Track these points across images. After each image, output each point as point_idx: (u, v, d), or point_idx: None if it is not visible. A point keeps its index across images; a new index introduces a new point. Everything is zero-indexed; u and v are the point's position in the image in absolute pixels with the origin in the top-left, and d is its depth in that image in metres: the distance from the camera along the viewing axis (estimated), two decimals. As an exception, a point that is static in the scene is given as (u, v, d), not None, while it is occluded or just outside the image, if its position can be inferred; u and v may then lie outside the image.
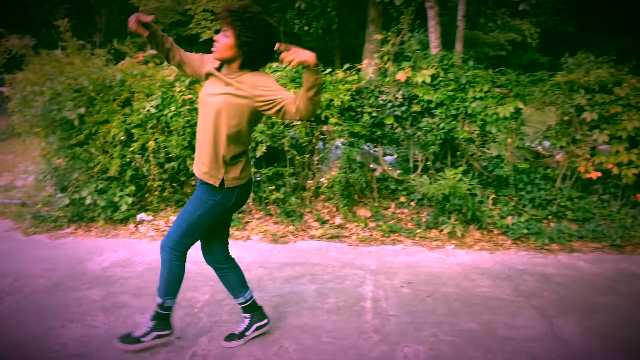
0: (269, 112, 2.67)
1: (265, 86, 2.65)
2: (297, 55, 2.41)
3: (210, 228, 2.98)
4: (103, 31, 22.23)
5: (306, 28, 13.04)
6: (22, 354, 3.07)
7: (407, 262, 4.45)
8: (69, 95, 5.13)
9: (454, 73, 5.05)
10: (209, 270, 4.22)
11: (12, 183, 7.32)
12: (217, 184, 2.81)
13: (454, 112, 5.01)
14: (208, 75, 2.85)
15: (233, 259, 3.22)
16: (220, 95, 2.71)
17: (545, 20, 18.08)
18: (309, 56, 2.41)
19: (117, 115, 5.18)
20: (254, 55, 2.70)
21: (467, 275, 4.16)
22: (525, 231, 4.80)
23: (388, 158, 5.81)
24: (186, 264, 4.25)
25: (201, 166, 2.84)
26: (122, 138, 5.17)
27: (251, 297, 3.22)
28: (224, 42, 2.68)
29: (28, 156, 8.60)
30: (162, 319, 3.07)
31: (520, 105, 4.88)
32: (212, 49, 2.75)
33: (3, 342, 3.19)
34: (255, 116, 2.76)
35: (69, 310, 3.58)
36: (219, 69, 2.81)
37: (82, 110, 5.08)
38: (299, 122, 5.14)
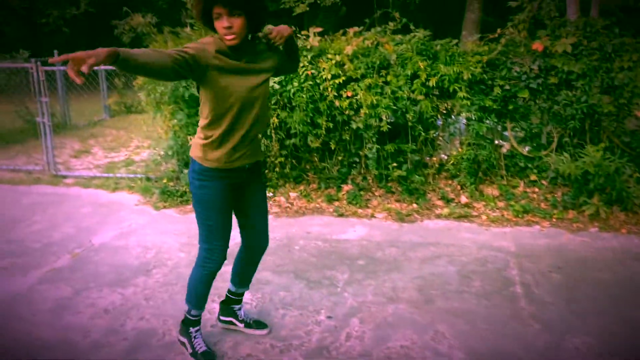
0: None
1: None
2: (282, 32, 2.54)
3: None
4: (189, 11, 22.67)
5: (403, -2, 12.64)
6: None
7: (549, 244, 4.20)
8: (195, 72, 5.19)
9: (599, 41, 4.65)
10: (342, 249, 4.22)
11: (131, 158, 7.62)
12: None
13: (597, 83, 4.63)
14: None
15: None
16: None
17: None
18: (288, 29, 2.58)
19: (241, 91, 5.19)
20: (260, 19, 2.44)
21: (621, 261, 3.86)
22: (679, 214, 4.41)
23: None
24: (317, 242, 4.33)
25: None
26: (246, 114, 5.18)
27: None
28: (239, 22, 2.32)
29: (141, 132, 8.96)
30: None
31: (676, 76, 4.44)
32: (228, 37, 2.32)
33: (161, 314, 3.28)
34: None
35: (215, 286, 3.60)
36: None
37: (209, 87, 5.12)
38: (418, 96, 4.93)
